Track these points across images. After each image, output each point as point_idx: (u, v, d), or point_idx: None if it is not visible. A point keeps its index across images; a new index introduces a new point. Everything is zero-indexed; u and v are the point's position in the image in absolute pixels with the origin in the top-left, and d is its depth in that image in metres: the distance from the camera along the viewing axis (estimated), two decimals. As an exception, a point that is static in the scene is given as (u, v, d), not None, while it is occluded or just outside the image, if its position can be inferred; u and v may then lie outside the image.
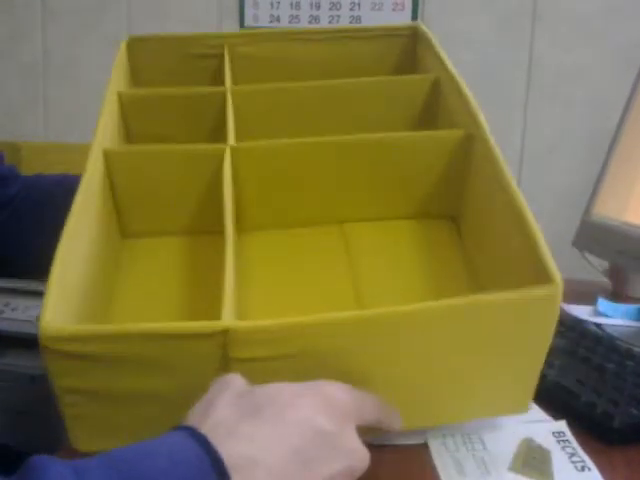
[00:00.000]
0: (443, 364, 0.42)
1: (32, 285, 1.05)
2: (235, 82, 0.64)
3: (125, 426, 0.39)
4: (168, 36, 0.68)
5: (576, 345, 0.63)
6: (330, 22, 1.66)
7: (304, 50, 0.68)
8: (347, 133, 0.58)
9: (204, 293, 0.49)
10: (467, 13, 1.61)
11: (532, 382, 0.45)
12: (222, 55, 0.67)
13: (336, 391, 0.38)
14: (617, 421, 0.49)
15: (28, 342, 0.99)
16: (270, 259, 0.55)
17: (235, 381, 0.37)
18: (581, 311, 0.80)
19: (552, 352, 0.61)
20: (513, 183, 0.47)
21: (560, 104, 1.60)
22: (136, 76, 0.68)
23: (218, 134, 0.58)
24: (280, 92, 0.61)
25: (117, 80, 0.62)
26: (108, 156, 0.53)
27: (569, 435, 0.49)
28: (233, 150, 0.54)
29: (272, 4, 1.69)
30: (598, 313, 0.80)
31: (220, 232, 0.48)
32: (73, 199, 0.47)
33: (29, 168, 1.50)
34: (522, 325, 0.41)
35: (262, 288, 0.51)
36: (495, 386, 0.44)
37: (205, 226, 0.55)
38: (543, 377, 0.55)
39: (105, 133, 0.55)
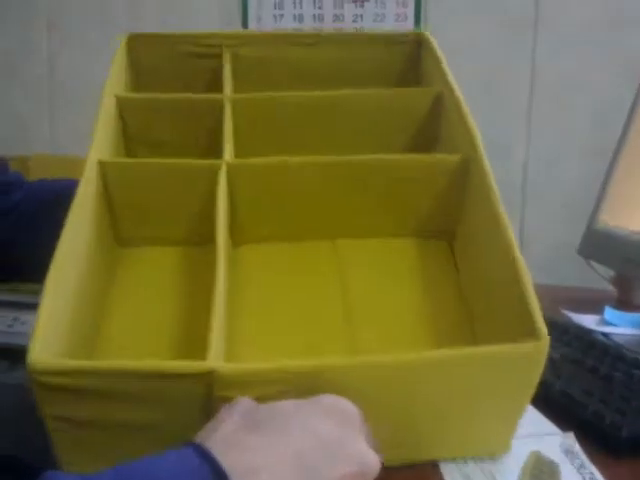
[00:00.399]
0: (428, 407, 0.43)
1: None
2: (234, 84, 0.64)
3: (111, 452, 0.39)
4: (168, 34, 0.68)
5: (583, 355, 0.63)
6: (333, 34, 1.68)
7: (307, 54, 0.67)
8: (347, 144, 0.58)
9: (198, 304, 0.49)
10: (470, 23, 1.61)
11: (514, 424, 0.46)
12: (221, 55, 0.66)
13: (337, 400, 0.39)
14: (625, 431, 0.49)
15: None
16: (263, 274, 0.55)
17: (244, 402, 0.38)
18: (588, 320, 0.80)
19: (559, 362, 0.61)
20: (504, 219, 0.48)
21: (563, 111, 1.60)
22: (135, 73, 0.68)
23: (216, 140, 0.58)
24: (279, 101, 0.61)
25: (115, 78, 0.61)
26: (103, 167, 0.53)
27: (577, 448, 0.49)
28: (229, 166, 0.54)
29: (275, 17, 1.70)
30: (605, 322, 0.80)
31: (215, 243, 0.48)
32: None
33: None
34: (508, 375, 0.42)
35: (254, 307, 0.52)
36: (478, 428, 0.46)
37: (200, 237, 0.55)
38: (550, 387, 0.56)
39: (101, 139, 0.55)
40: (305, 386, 0.39)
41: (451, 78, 0.60)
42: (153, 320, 0.50)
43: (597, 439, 0.50)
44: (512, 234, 0.47)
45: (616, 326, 0.79)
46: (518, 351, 0.41)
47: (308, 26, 1.70)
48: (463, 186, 0.56)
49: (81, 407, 0.39)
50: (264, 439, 0.35)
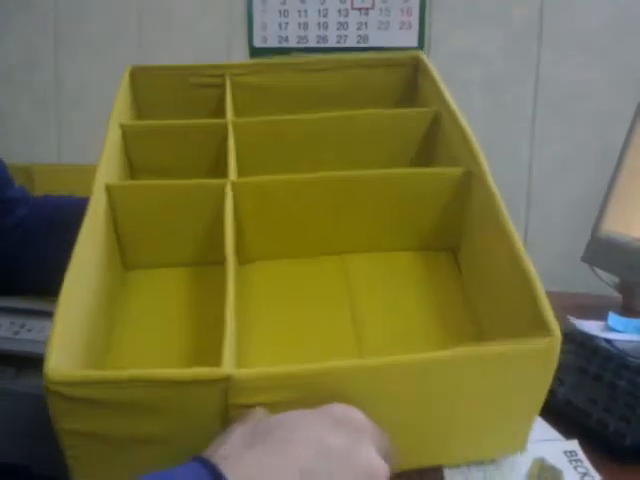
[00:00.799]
0: (441, 409, 0.43)
1: (48, 306, 1.06)
2: (236, 112, 0.65)
3: (125, 467, 0.40)
4: (170, 66, 0.69)
5: (587, 362, 0.63)
6: (338, 42, 1.68)
7: (306, 80, 0.69)
8: (347, 165, 0.58)
9: (207, 324, 0.49)
10: (473, 31, 1.62)
11: (529, 423, 0.46)
12: (223, 85, 0.67)
13: (347, 410, 0.38)
14: (628, 439, 0.49)
15: (42, 363, 1.00)
16: (271, 291, 0.56)
17: (254, 414, 0.38)
18: (592, 326, 0.80)
19: (563, 369, 0.61)
20: (510, 226, 0.48)
21: (567, 119, 1.61)
22: (139, 105, 0.69)
23: (220, 165, 0.58)
24: (280, 124, 0.62)
25: (120, 110, 0.62)
26: (110, 190, 0.54)
27: (581, 454, 0.49)
28: (234, 185, 0.54)
29: (280, 25, 1.71)
30: (609, 328, 0.80)
31: (222, 263, 0.48)
32: (78, 220, 0.48)
33: (42, 190, 1.52)
34: (520, 374, 0.42)
35: (263, 323, 0.52)
36: (492, 429, 0.45)
37: (208, 257, 0.56)
38: (554, 395, 0.56)
39: (108, 166, 0.55)
40: (318, 390, 0.39)
41: (448, 96, 0.61)
42: (162, 340, 0.51)
43: (601, 447, 0.50)
44: (518, 238, 0.47)
45: (620, 332, 0.79)
46: (530, 348, 0.41)
47: (312, 33, 1.71)
48: (467, 198, 0.56)
49: (97, 420, 0.39)
50: (271, 452, 0.35)
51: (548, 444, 0.51)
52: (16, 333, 1.01)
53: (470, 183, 0.55)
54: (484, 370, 0.41)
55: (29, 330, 1.01)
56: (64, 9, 1.84)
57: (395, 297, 0.55)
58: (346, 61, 0.70)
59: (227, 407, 0.39)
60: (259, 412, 0.38)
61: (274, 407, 0.39)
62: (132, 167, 0.64)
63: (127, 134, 0.62)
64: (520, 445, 0.47)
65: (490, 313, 0.51)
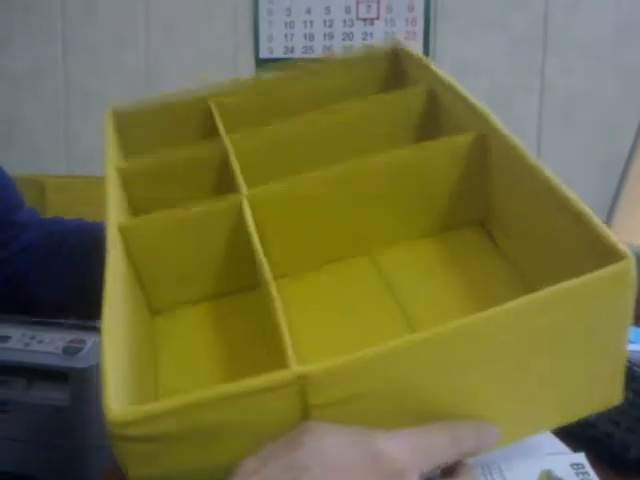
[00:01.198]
0: (523, 368, 0.40)
1: (58, 318, 1.06)
2: (227, 134, 0.62)
3: None
4: (150, 101, 0.66)
5: (594, 373, 0.63)
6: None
7: (288, 90, 0.66)
8: (352, 158, 0.55)
9: (248, 353, 0.48)
10: (478, 40, 1.63)
11: (619, 366, 0.42)
12: (207, 110, 0.65)
13: (388, 447, 0.35)
14: (633, 451, 0.49)
15: (53, 374, 1.01)
16: (310, 304, 0.53)
17: (295, 433, 0.35)
18: (599, 336, 0.80)
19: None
20: (543, 169, 0.45)
21: (573, 128, 1.61)
22: (127, 145, 0.67)
23: (224, 188, 0.56)
24: (278, 133, 0.60)
25: (111, 153, 0.60)
26: (124, 232, 0.52)
27: (588, 467, 0.49)
28: (249, 198, 0.52)
29: (286, 36, 1.72)
30: (616, 338, 0.80)
31: (249, 287, 0.46)
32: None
33: (53, 202, 1.54)
34: (596, 311, 0.39)
35: (312, 335, 0.49)
36: (581, 380, 0.42)
37: (234, 284, 0.54)
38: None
39: (116, 213, 0.53)
40: (397, 373, 0.36)
41: (439, 71, 0.58)
42: (208, 378, 0.49)
43: (607, 459, 0.50)
44: (555, 178, 0.44)
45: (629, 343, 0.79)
46: (602, 277, 0.37)
47: (318, 44, 1.72)
48: (485, 163, 0.53)
49: (172, 458, 0.36)
50: None
51: (555, 457, 0.51)
52: (27, 345, 1.02)
53: (485, 146, 0.52)
54: (556, 317, 0.38)
55: (40, 342, 1.02)
56: (71, 15, 1.85)
57: (436, 283, 0.52)
58: (324, 61, 0.67)
59: (306, 411, 0.36)
60: (302, 431, 0.35)
61: (354, 401, 0.36)
62: (135, 210, 0.61)
63: (124, 176, 0.59)
64: (615, 395, 0.43)
65: (544, 271, 0.47)
